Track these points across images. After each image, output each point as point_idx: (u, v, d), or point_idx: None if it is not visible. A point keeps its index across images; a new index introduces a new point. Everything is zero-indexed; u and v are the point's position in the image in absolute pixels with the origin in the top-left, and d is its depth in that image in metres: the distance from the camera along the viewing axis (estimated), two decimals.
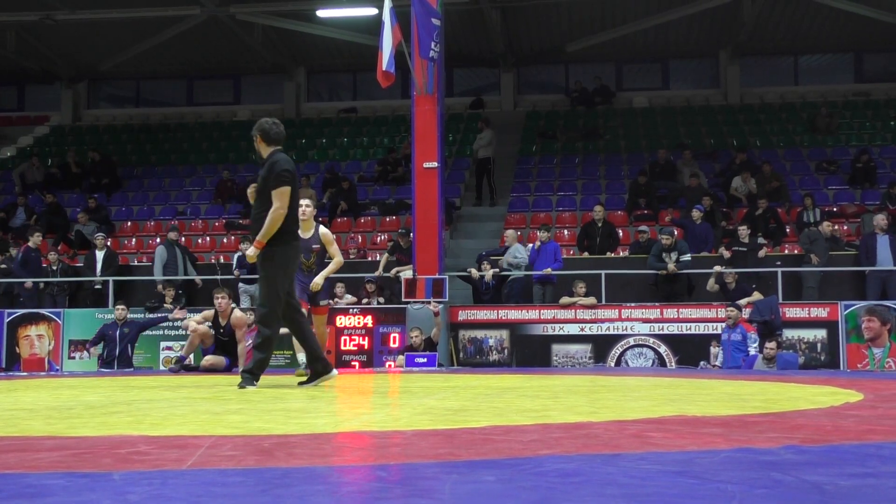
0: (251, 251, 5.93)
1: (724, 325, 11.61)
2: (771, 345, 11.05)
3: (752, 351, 11.32)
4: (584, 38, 20.07)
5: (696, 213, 14.06)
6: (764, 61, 21.39)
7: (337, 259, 8.02)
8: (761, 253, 13.14)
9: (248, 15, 19.05)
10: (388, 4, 11.13)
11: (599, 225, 14.18)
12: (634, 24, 19.42)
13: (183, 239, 15.03)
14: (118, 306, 12.42)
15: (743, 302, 11.97)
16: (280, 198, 5.83)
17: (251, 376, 5.97)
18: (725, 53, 20.72)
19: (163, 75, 22.89)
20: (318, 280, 7.82)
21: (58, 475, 2.33)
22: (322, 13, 18.53)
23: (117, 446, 2.95)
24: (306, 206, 7.61)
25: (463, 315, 12.57)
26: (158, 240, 14.72)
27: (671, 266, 12.53)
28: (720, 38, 20.37)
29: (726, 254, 13.11)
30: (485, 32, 19.75)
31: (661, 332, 12.11)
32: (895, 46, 20.19)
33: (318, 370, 6.23)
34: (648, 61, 21.77)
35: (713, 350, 11.70)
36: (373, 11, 16.52)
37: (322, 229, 8.05)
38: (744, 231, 13.30)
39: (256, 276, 13.59)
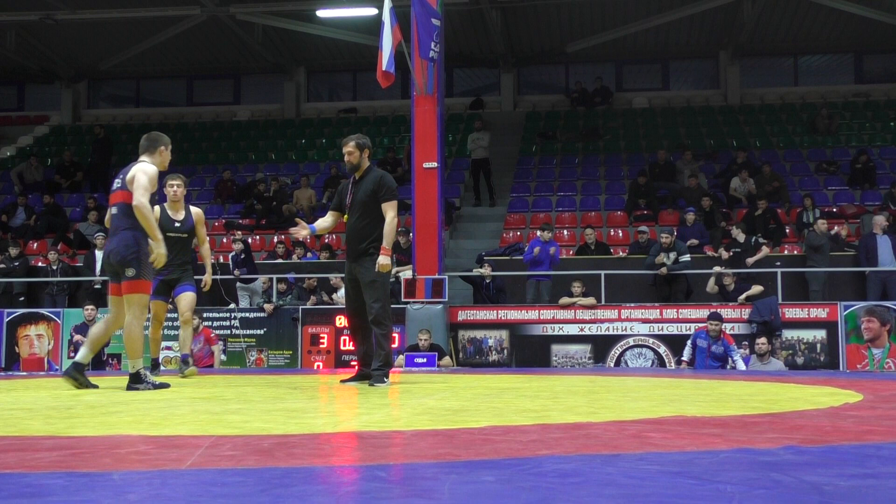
0: (384, 259, 6.36)
1: (704, 330, 11.36)
2: (762, 340, 11.00)
3: (738, 361, 11.04)
4: (584, 39, 20.07)
5: (689, 217, 13.98)
6: (764, 62, 21.39)
7: (207, 246, 7.86)
8: (749, 261, 12.91)
9: (248, 15, 19.05)
10: (388, 4, 11.13)
11: (593, 248, 14.17)
12: (634, 25, 19.43)
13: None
14: (87, 307, 12.39)
15: (742, 297, 11.97)
16: (394, 208, 6.51)
17: (382, 373, 6.41)
18: (725, 54, 20.73)
19: (163, 75, 22.89)
20: (209, 279, 7.83)
21: (57, 475, 2.33)
22: (322, 13, 18.53)
23: (117, 446, 2.95)
24: (177, 185, 7.55)
25: (463, 315, 12.57)
26: None
27: (664, 269, 12.53)
28: (720, 38, 20.38)
29: (724, 255, 13.10)
30: (485, 32, 19.75)
31: (660, 333, 12.11)
32: (895, 47, 20.20)
33: (365, 374, 6.68)
34: (648, 62, 21.77)
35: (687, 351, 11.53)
36: (373, 11, 16.53)
37: (194, 209, 7.85)
38: (736, 232, 13.27)
39: (255, 277, 13.60)
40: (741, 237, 13.20)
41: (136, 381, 5.93)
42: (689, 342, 11.42)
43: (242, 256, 13.56)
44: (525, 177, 18.36)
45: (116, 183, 6.15)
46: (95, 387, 6.02)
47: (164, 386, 6.05)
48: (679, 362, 11.55)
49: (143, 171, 6.01)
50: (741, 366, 11.08)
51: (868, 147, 17.66)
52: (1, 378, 8.87)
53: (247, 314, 13.00)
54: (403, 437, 3.23)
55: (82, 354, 6.17)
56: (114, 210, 6.15)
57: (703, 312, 11.89)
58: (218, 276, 13.74)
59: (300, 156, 20.15)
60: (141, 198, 5.94)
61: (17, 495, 2.04)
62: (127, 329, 6.00)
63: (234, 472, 2.36)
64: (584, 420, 3.75)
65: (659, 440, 3.06)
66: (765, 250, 13.15)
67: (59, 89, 22.69)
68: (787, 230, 14.66)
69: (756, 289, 12.09)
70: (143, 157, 6.20)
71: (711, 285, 12.59)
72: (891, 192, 15.18)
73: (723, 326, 11.33)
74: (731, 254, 13.09)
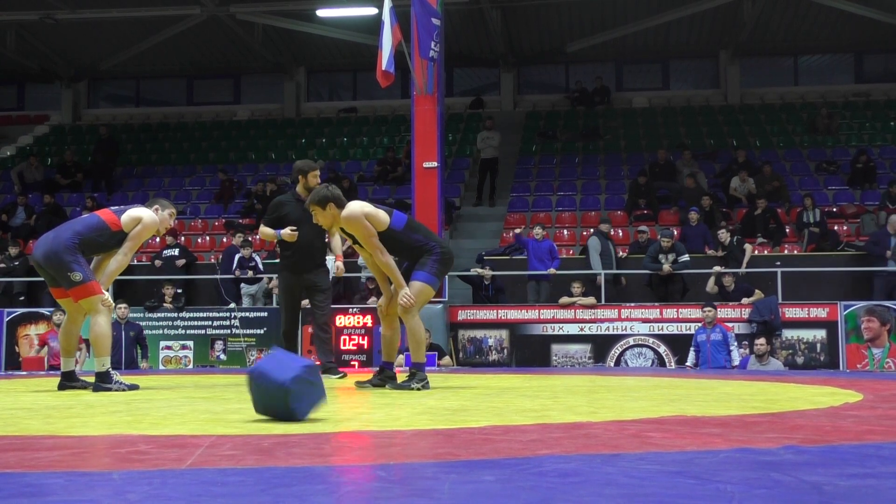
0: (342, 264, 7.48)
1: (702, 325, 11.53)
2: (760, 341, 11.01)
3: (734, 351, 11.24)
4: (584, 38, 20.07)
5: (692, 216, 13.94)
6: (764, 61, 21.39)
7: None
8: (727, 280, 12.57)
9: (248, 15, 19.05)
10: (388, 4, 11.13)
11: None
12: (634, 24, 19.43)
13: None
14: (120, 305, 12.24)
15: (746, 301, 11.97)
16: None
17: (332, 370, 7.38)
18: (725, 54, 20.73)
19: (163, 75, 22.89)
20: (341, 265, 7.86)
21: (57, 474, 2.33)
22: (322, 13, 18.54)
23: (117, 446, 2.96)
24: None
25: (463, 315, 12.57)
26: (592, 230, 14.38)
27: (666, 267, 12.51)
28: (720, 38, 20.38)
29: (719, 254, 13.09)
30: (485, 32, 19.75)
31: (660, 333, 12.11)
32: (895, 47, 20.20)
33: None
34: (648, 61, 21.77)
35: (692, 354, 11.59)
36: (373, 11, 16.52)
37: None
38: (724, 234, 13.23)
39: (258, 277, 13.61)
40: (727, 239, 13.16)
41: (103, 381, 5.72)
42: (691, 347, 11.48)
43: (252, 263, 13.52)
44: (525, 176, 18.36)
45: (113, 208, 6.11)
46: (90, 385, 5.95)
47: (135, 387, 5.80)
48: (682, 365, 11.57)
49: (147, 225, 5.92)
50: (736, 356, 11.17)
51: (868, 147, 17.65)
52: (1, 378, 8.87)
53: (247, 314, 13.00)
54: (403, 436, 3.23)
55: (63, 364, 6.12)
56: (88, 217, 6.00)
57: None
58: (219, 277, 13.76)
59: (300, 155, 20.06)
60: (129, 252, 5.91)
61: (17, 495, 2.04)
62: (92, 326, 5.81)
63: (234, 472, 2.36)
64: (584, 420, 3.75)
65: (659, 440, 3.06)
66: (748, 248, 13.07)
67: (59, 89, 22.68)
68: (787, 230, 14.66)
69: (757, 295, 12.08)
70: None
71: (711, 285, 12.59)
72: (888, 192, 15.16)
73: (717, 314, 11.47)
74: (722, 254, 13.08)
